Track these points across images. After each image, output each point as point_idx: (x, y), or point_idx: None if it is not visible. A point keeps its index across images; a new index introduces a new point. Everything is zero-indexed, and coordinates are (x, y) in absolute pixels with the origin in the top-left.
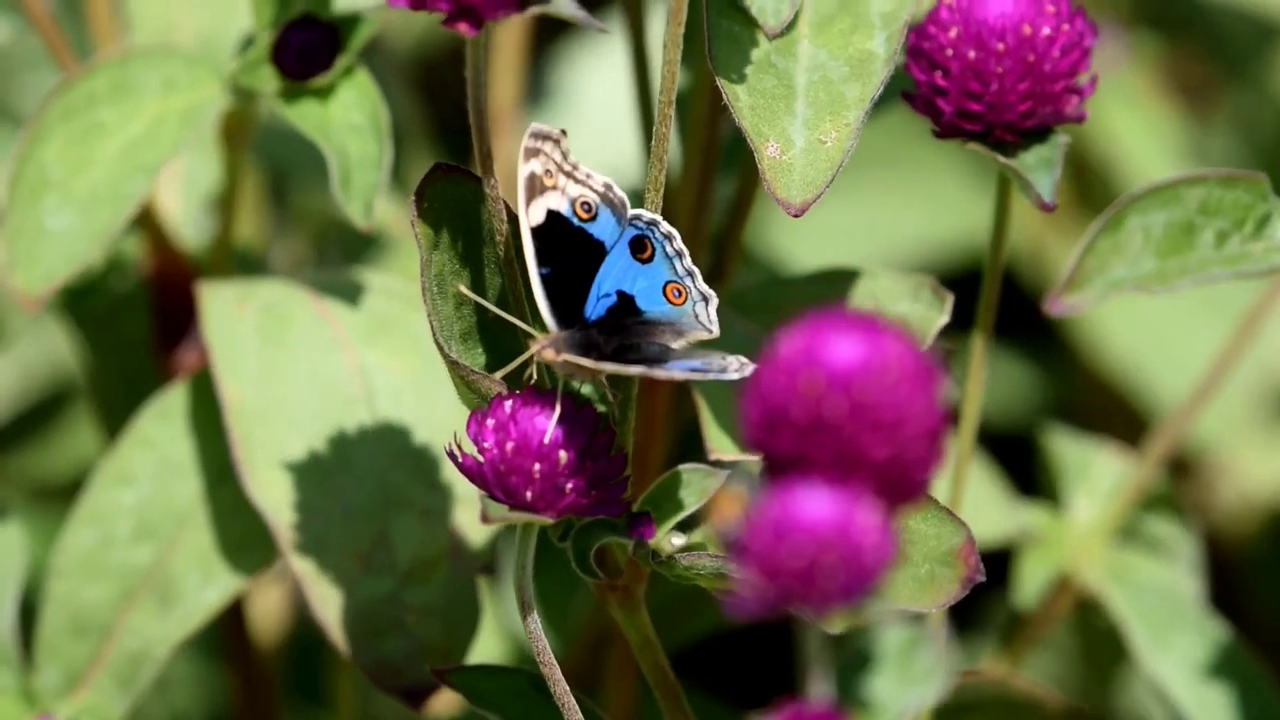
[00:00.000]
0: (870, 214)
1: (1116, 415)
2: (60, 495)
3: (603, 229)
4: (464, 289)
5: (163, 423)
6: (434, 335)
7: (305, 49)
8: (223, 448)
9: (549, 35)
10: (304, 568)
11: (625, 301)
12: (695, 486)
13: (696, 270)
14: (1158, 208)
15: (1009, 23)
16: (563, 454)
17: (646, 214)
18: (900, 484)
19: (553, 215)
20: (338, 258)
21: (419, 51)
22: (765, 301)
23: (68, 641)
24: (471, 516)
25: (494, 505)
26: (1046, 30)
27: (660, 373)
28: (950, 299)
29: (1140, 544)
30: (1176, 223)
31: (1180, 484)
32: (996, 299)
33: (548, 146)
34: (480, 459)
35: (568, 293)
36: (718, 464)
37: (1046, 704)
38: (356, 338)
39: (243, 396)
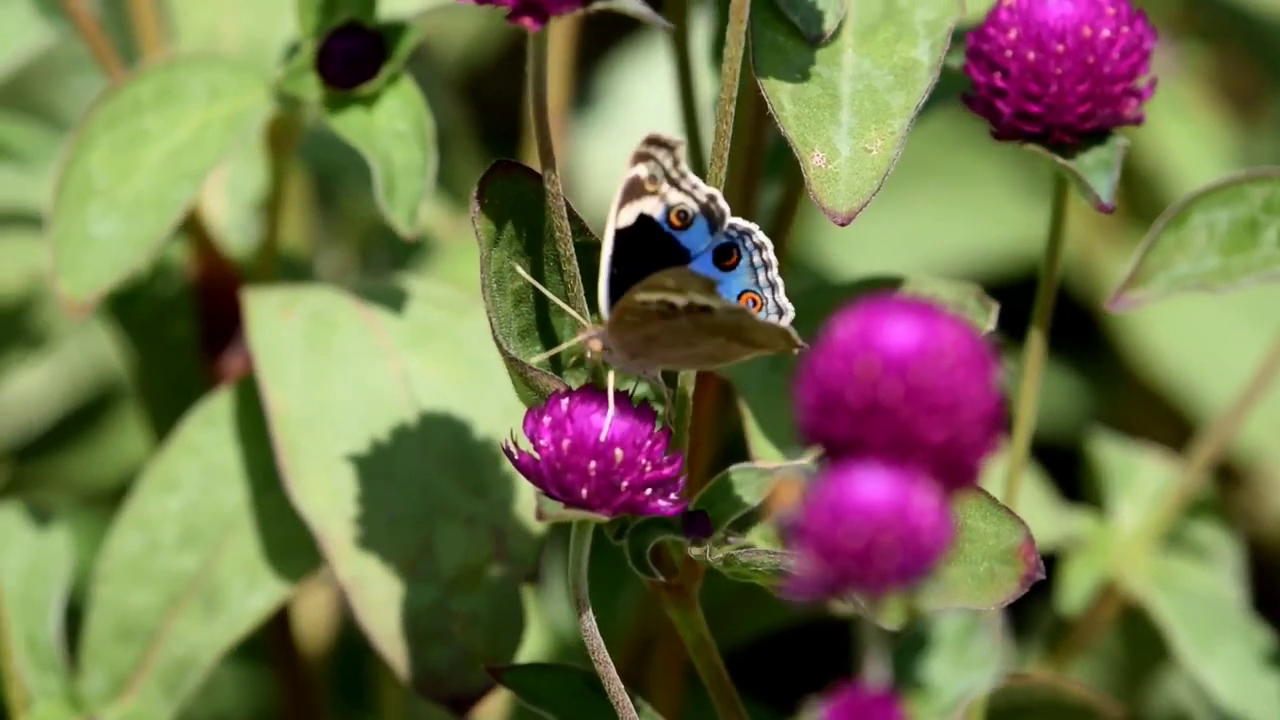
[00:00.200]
0: (916, 223)
1: (1162, 424)
2: (106, 500)
3: (692, 238)
4: (528, 277)
5: (208, 429)
6: (492, 332)
7: (350, 57)
8: (268, 454)
9: (597, 42)
10: (349, 575)
11: None
12: (752, 485)
13: (780, 283)
14: (1221, 205)
15: (1069, 24)
16: (619, 452)
17: (741, 223)
18: (956, 468)
19: (644, 219)
20: (384, 262)
21: (466, 60)
22: (810, 308)
23: (113, 647)
24: (516, 523)
25: (549, 502)
26: (1106, 32)
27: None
28: (996, 308)
29: (1185, 550)
30: (1240, 220)
31: (1227, 491)
32: (1052, 301)
33: (660, 153)
34: (536, 456)
35: None
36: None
37: (1101, 709)
38: (401, 345)
39: (288, 404)
